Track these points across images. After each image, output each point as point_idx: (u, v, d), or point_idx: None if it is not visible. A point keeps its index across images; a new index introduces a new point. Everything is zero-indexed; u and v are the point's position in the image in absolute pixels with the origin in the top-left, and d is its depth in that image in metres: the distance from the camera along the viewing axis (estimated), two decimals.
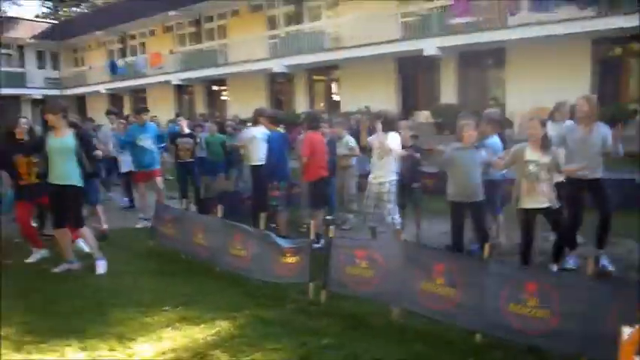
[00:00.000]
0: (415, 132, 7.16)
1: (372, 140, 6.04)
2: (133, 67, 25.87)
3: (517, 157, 4.91)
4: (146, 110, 8.69)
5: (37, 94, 28.98)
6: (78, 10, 43.65)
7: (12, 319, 4.41)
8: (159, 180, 8.31)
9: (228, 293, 5.03)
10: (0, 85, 27.38)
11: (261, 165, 7.17)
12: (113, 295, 5.00)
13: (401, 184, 6.09)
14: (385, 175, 5.91)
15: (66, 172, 5.50)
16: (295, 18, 21.06)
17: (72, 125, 5.70)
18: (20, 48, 29.58)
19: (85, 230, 5.95)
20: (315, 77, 21.30)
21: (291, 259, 4.93)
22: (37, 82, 29.53)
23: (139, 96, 27.95)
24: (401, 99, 18.64)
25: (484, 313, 3.76)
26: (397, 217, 5.99)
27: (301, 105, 20.67)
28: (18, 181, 6.23)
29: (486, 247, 4.01)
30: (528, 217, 4.93)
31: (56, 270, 5.73)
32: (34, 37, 29.27)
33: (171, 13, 23.48)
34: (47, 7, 45.50)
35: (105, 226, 7.50)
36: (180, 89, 25.74)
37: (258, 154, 7.27)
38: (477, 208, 5.32)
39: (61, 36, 30.24)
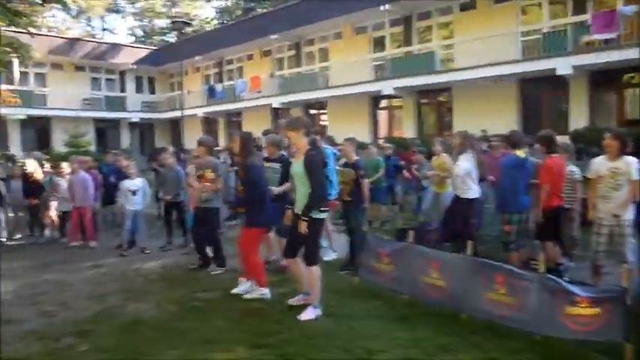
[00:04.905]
0: None
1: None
2: (232, 91, 25.99)
3: None
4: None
5: (135, 117, 29.87)
6: (166, 38, 45.35)
7: None
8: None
9: (500, 348, 4.17)
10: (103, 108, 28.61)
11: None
12: (355, 345, 4.25)
13: None
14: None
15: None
16: (403, 39, 20.39)
17: (312, 144, 4.79)
18: (122, 73, 30.64)
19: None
20: (423, 100, 20.44)
21: (587, 311, 4.02)
22: (135, 106, 30.42)
23: (233, 120, 28.07)
24: (522, 122, 17.47)
25: None
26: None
27: (409, 129, 19.87)
28: None
29: None
30: None
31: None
32: (135, 62, 30.22)
33: (272, 37, 23.49)
34: (139, 36, 47.69)
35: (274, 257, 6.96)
36: (277, 112, 25.59)
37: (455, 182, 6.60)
38: None
39: (158, 62, 31.09)
